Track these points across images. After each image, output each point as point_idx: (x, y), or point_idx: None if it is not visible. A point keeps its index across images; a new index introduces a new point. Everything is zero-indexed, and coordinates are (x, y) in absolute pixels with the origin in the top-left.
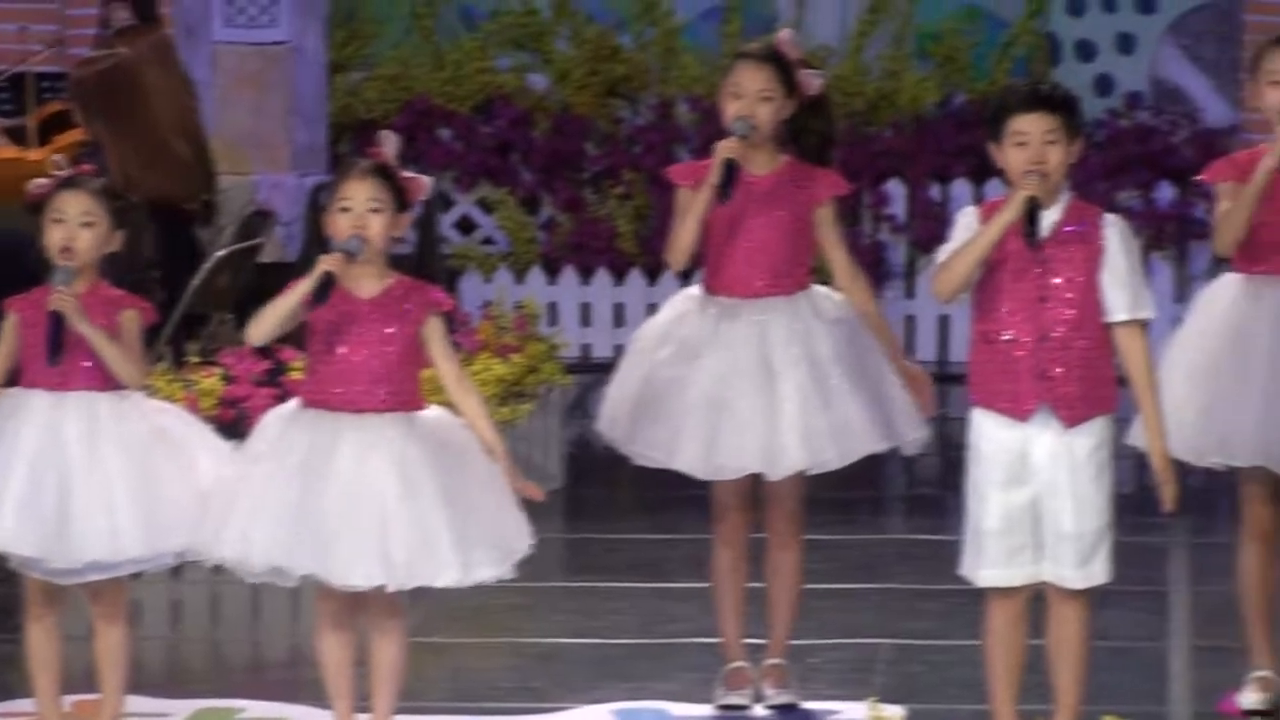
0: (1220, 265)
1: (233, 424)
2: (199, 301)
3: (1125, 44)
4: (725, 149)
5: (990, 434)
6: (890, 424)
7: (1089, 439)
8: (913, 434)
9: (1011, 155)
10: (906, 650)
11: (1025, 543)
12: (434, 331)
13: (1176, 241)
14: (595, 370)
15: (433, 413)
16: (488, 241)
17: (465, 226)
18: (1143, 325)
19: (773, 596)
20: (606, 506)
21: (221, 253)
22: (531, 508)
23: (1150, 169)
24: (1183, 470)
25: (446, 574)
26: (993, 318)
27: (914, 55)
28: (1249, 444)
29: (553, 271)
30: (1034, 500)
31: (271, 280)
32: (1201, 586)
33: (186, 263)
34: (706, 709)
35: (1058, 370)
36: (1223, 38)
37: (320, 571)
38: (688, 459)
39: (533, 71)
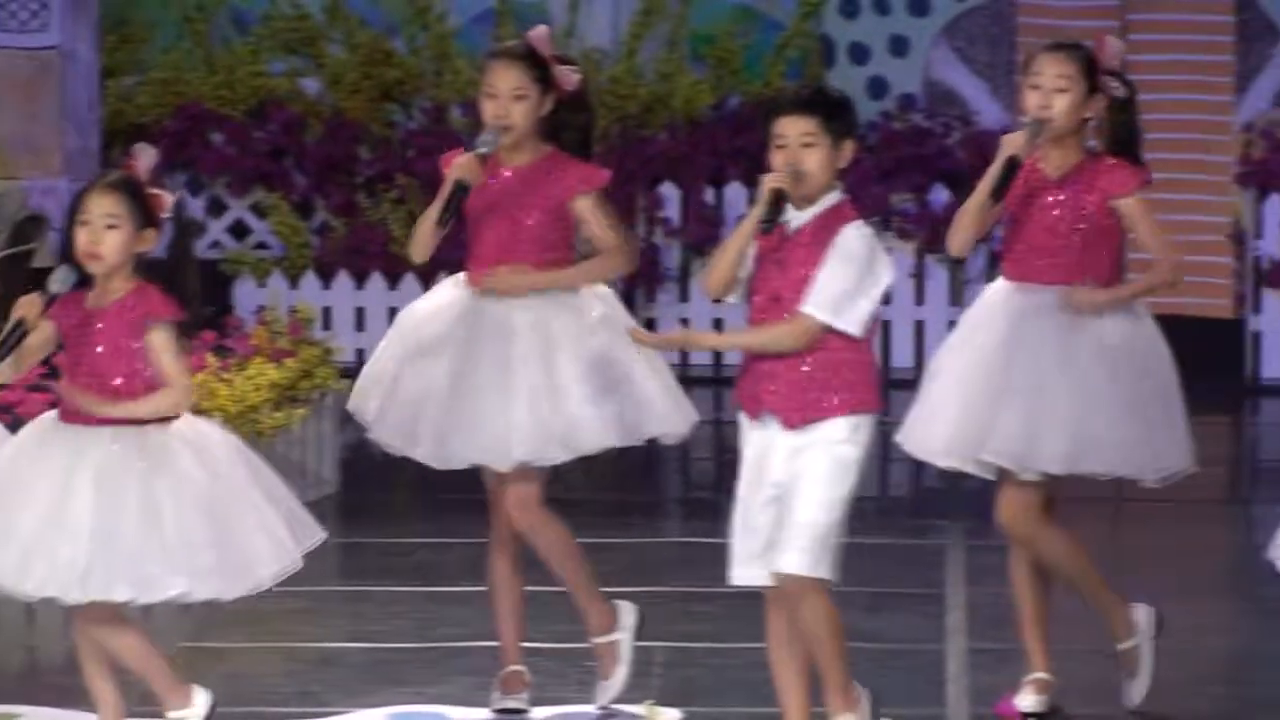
0: (996, 269)
1: (11, 427)
2: None
3: (899, 46)
4: (772, 180)
5: (743, 434)
6: (628, 421)
7: (820, 438)
8: (659, 430)
9: (773, 157)
10: (684, 653)
11: (770, 541)
12: (155, 340)
13: None
14: None
15: (183, 425)
16: (261, 246)
17: (239, 231)
18: (817, 325)
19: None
20: (382, 511)
21: None
22: (308, 510)
23: (924, 172)
24: (959, 474)
25: (120, 590)
26: (748, 318)
27: (688, 58)
28: (1006, 448)
29: (327, 276)
30: (774, 500)
31: (43, 284)
32: (977, 589)
33: None
34: (483, 713)
35: (780, 370)
36: (995, 40)
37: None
38: (423, 449)
39: (305, 76)
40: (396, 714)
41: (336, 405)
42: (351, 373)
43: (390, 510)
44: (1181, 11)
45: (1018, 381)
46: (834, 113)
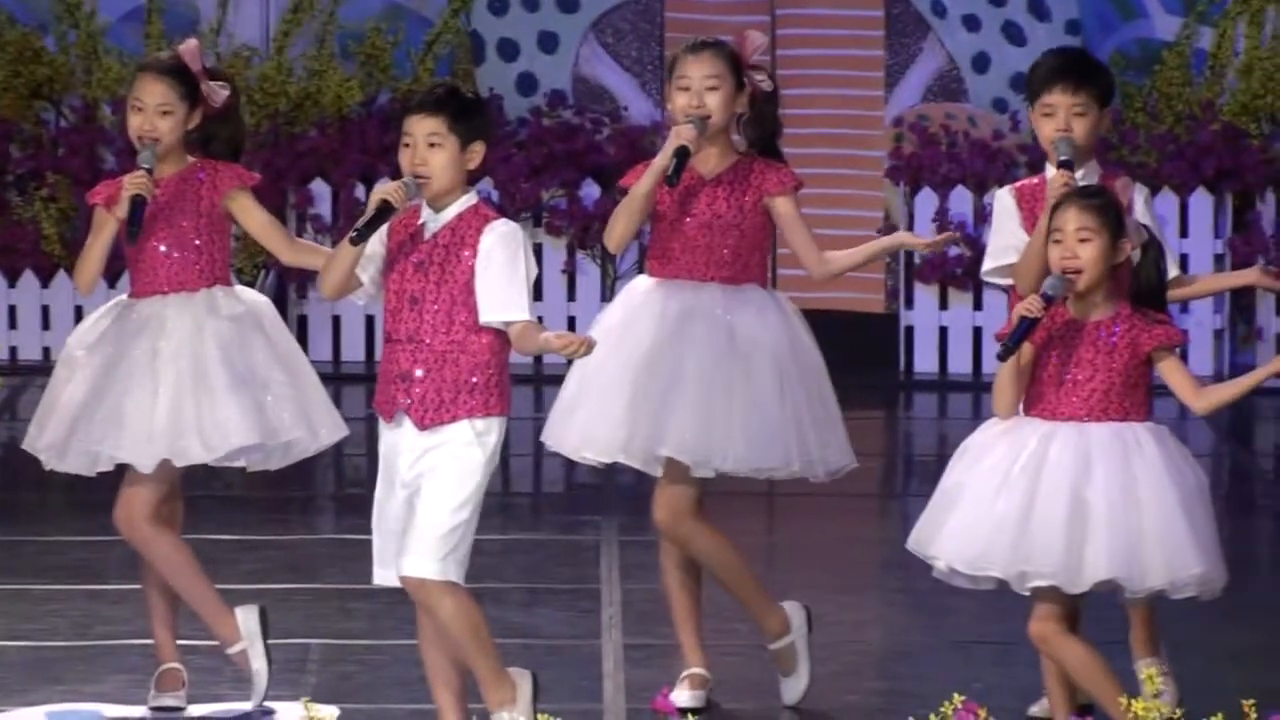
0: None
1: None
2: None
3: (548, 43)
4: (680, 137)
5: (381, 435)
6: (267, 420)
7: (447, 439)
8: (290, 431)
9: (401, 156)
10: (340, 650)
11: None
12: None
13: (602, 240)
14: (23, 373)
15: None
16: None
17: None
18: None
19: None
20: (38, 510)
21: None
22: None
23: (575, 167)
24: (611, 470)
25: None
26: (385, 318)
27: (337, 55)
28: (684, 445)
29: None
30: (406, 501)
31: None
32: (632, 584)
33: None
34: (140, 710)
35: (415, 373)
36: (644, 36)
37: None
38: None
39: None
40: (53, 712)
41: None
42: (4, 371)
43: (46, 509)
44: (831, 6)
45: (687, 379)
46: (462, 113)
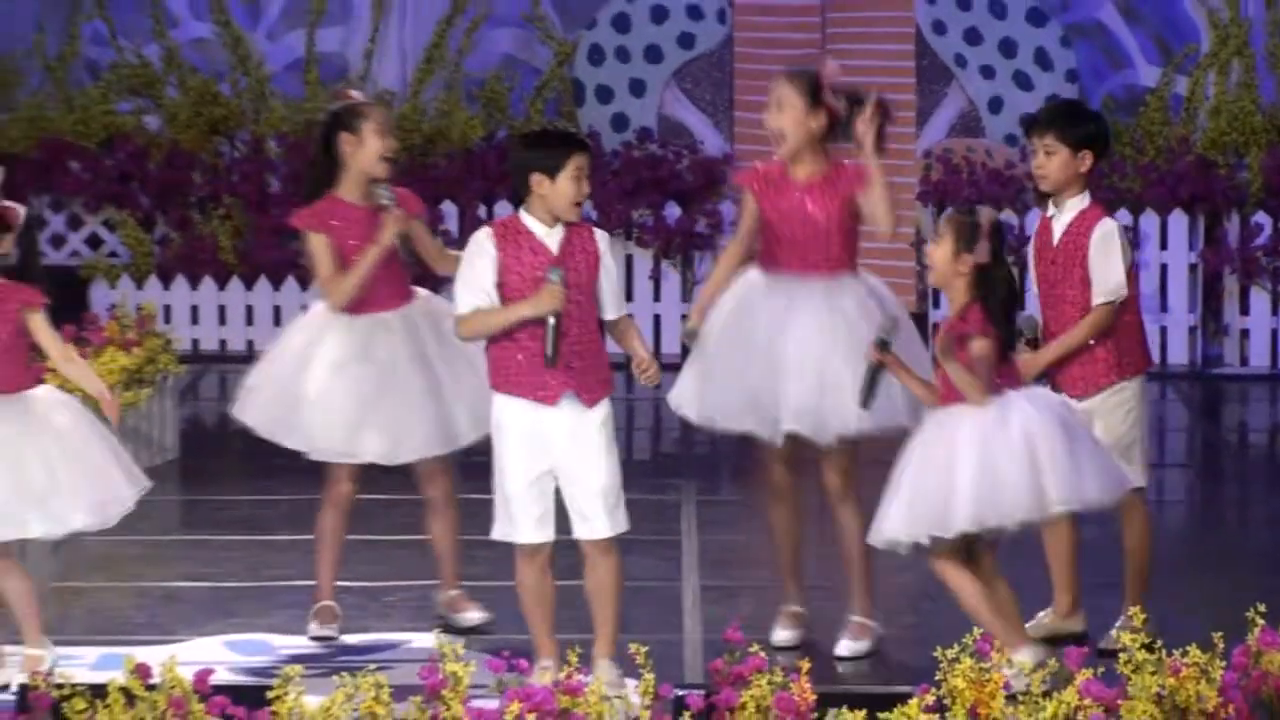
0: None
1: None
2: None
3: (637, 88)
4: None
5: (523, 415)
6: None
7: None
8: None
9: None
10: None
11: (549, 508)
12: (33, 323)
13: (682, 251)
14: (203, 360)
15: (42, 390)
16: (113, 255)
17: (94, 242)
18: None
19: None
20: (216, 473)
21: None
22: (152, 474)
23: (660, 191)
24: (692, 440)
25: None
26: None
27: (463, 98)
28: (742, 412)
29: (166, 279)
30: (548, 473)
31: None
32: (707, 536)
33: None
34: (301, 639)
35: (575, 363)
36: (717, 83)
37: None
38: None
39: (147, 114)
40: (230, 641)
41: (176, 385)
42: (187, 359)
43: (223, 473)
44: (870, 58)
45: (799, 361)
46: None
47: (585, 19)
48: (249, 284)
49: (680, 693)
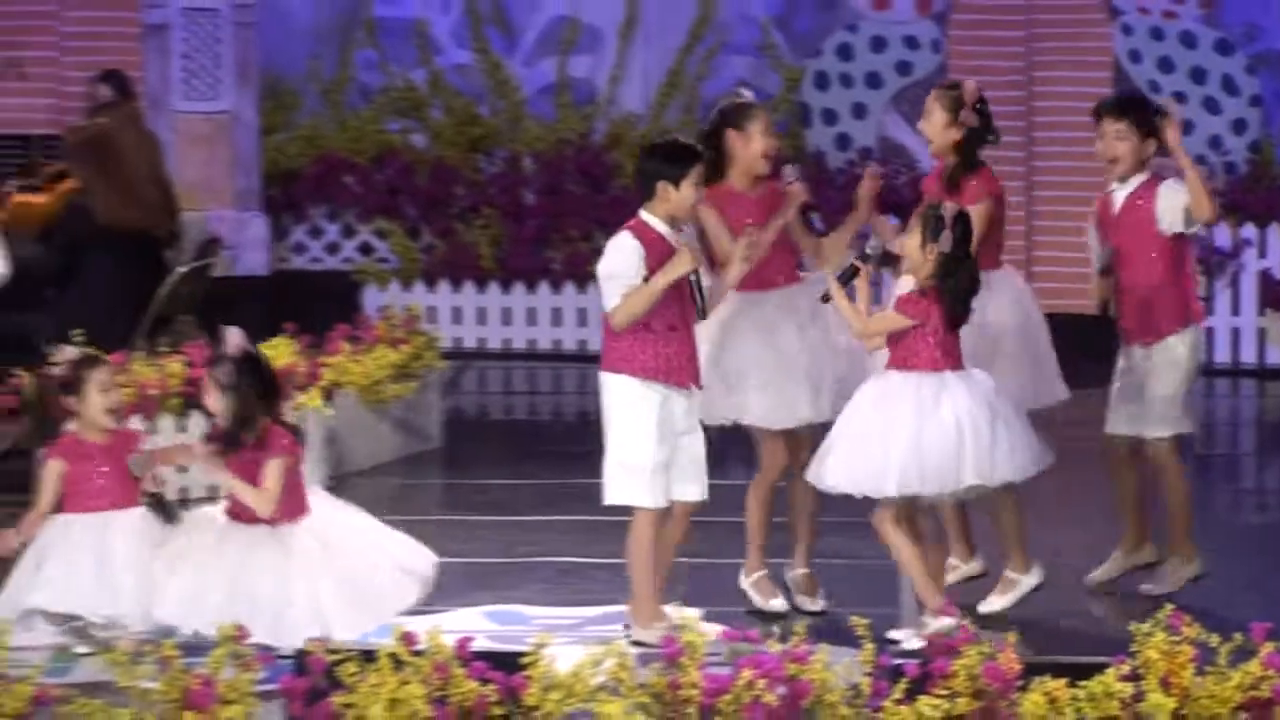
0: None
1: (192, 398)
2: (166, 306)
3: (859, 111)
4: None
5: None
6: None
7: None
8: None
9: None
10: (688, 565)
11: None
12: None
13: (896, 261)
14: (464, 357)
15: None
16: (382, 261)
17: (366, 250)
18: None
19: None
20: (475, 459)
21: (182, 269)
22: (417, 461)
23: (880, 207)
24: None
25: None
26: (670, 317)
27: (701, 120)
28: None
29: (431, 283)
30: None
31: (220, 289)
32: None
33: (156, 277)
34: (552, 610)
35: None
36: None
37: None
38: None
39: (414, 133)
40: (488, 612)
41: (439, 379)
42: (449, 355)
43: (481, 459)
44: (1073, 84)
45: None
46: None
47: (812, 48)
48: (506, 287)
49: (897, 662)
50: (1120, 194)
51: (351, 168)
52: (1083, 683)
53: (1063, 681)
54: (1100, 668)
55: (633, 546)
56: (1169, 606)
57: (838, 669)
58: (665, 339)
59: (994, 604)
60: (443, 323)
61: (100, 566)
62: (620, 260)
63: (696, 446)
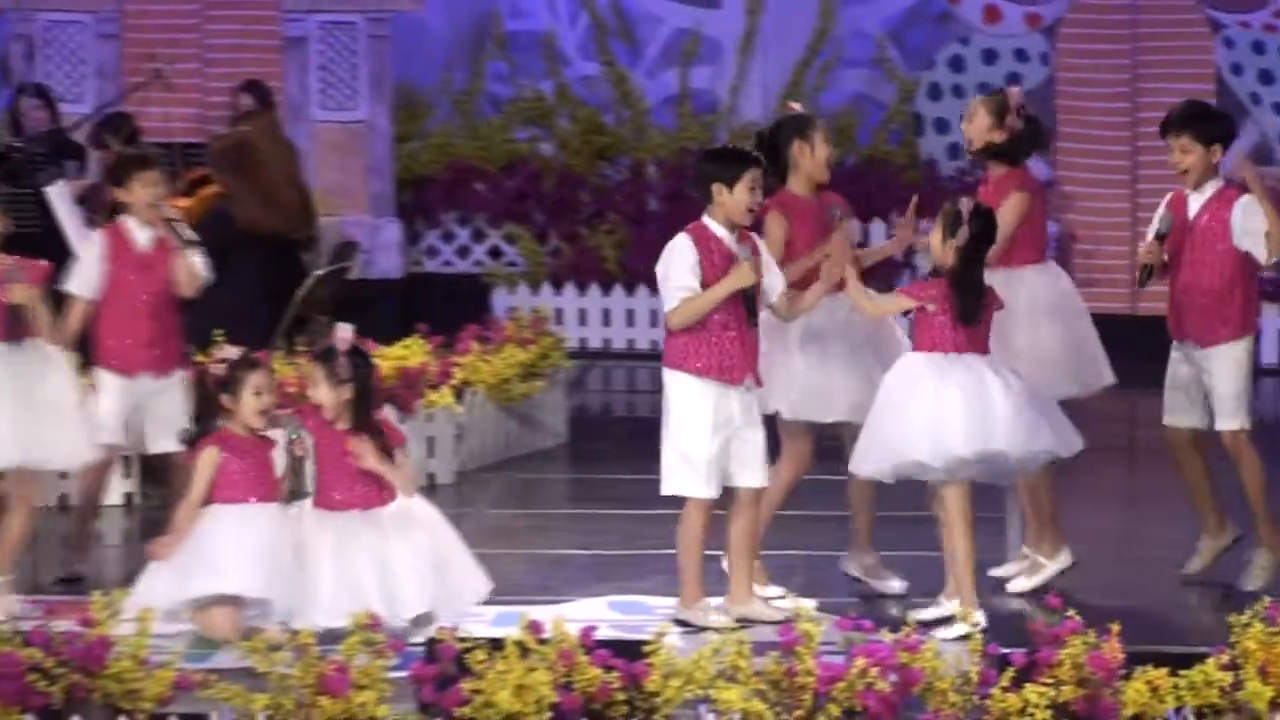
0: None
1: None
2: (304, 308)
3: None
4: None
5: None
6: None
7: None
8: None
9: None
10: (795, 558)
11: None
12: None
13: None
14: (589, 357)
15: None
16: (511, 264)
17: (495, 253)
18: None
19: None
20: (599, 455)
21: (320, 272)
22: (543, 456)
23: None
24: None
25: None
26: (726, 319)
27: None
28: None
29: (558, 285)
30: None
31: (356, 292)
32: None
33: (294, 279)
34: (672, 600)
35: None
36: (1041, 116)
37: None
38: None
39: (542, 141)
40: (611, 602)
41: (565, 378)
42: (575, 355)
43: (606, 455)
44: (1174, 96)
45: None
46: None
47: (925, 61)
48: (630, 290)
49: (1005, 651)
50: (1195, 201)
51: (481, 175)
52: (1183, 672)
53: (1164, 670)
54: (1200, 657)
55: (682, 532)
56: (1266, 599)
57: (947, 657)
58: (719, 337)
59: (1021, 584)
60: (569, 324)
61: (262, 551)
62: (674, 262)
63: (757, 438)
